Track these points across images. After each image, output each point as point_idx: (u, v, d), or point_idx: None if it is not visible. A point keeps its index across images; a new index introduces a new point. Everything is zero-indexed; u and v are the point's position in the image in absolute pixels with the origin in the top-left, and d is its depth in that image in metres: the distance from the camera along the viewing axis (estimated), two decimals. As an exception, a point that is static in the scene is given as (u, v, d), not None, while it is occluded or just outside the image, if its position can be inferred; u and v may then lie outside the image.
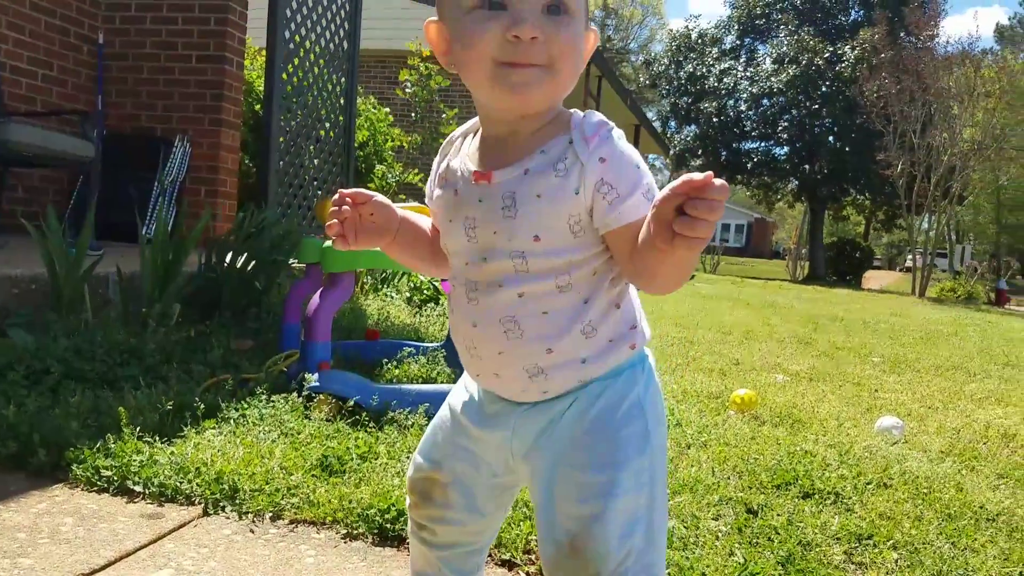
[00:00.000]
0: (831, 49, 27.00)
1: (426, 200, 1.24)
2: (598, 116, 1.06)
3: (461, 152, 1.16)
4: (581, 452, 1.10)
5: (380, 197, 1.22)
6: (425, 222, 1.28)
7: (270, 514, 1.98)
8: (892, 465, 2.59)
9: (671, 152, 30.59)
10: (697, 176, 0.85)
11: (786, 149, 28.74)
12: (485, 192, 1.08)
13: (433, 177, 1.21)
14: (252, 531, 1.91)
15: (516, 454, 1.18)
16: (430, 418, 2.66)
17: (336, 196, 1.18)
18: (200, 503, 2.02)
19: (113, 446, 2.20)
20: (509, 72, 1.02)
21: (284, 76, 5.24)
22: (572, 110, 1.09)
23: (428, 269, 1.31)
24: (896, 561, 1.88)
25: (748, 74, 29.36)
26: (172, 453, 2.21)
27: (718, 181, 0.85)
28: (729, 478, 2.34)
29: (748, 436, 2.85)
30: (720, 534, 1.95)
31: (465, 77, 1.08)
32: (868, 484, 2.38)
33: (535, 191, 1.05)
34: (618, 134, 1.05)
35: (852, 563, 1.88)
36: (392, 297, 5.66)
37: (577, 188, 1.03)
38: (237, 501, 2.00)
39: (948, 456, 2.86)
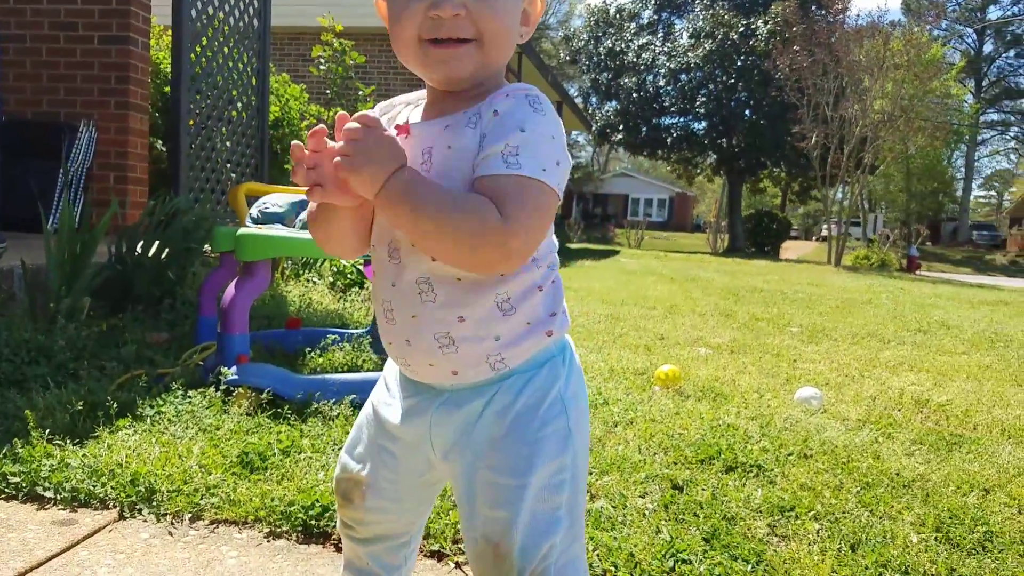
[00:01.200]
0: (745, 23, 27.48)
1: None
2: (529, 87, 1.04)
3: (399, 116, 1.14)
4: (500, 454, 1.09)
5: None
6: None
7: (189, 515, 1.91)
8: (812, 436, 2.66)
9: (593, 128, 30.79)
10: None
11: (704, 124, 29.25)
12: (407, 144, 1.04)
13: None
14: (171, 533, 1.85)
15: (436, 452, 1.16)
16: (356, 408, 2.65)
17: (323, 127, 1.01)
18: (115, 507, 1.94)
19: (21, 451, 2.10)
20: (433, 50, 1.03)
21: (192, 57, 5.06)
22: (515, 84, 1.07)
23: (360, 244, 1.18)
24: (818, 532, 1.93)
25: (666, 49, 29.71)
26: (84, 455, 2.12)
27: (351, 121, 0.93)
28: (655, 455, 2.37)
29: (673, 411, 2.89)
30: (647, 512, 1.97)
31: (397, 52, 1.08)
32: (789, 456, 2.44)
33: (447, 143, 1.03)
34: (534, 100, 1.01)
35: (776, 535, 1.92)
36: (314, 282, 5.55)
37: (477, 138, 1.01)
38: (154, 503, 1.94)
39: (865, 424, 2.95)
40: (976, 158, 46.43)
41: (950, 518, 2.04)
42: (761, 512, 2.02)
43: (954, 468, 2.45)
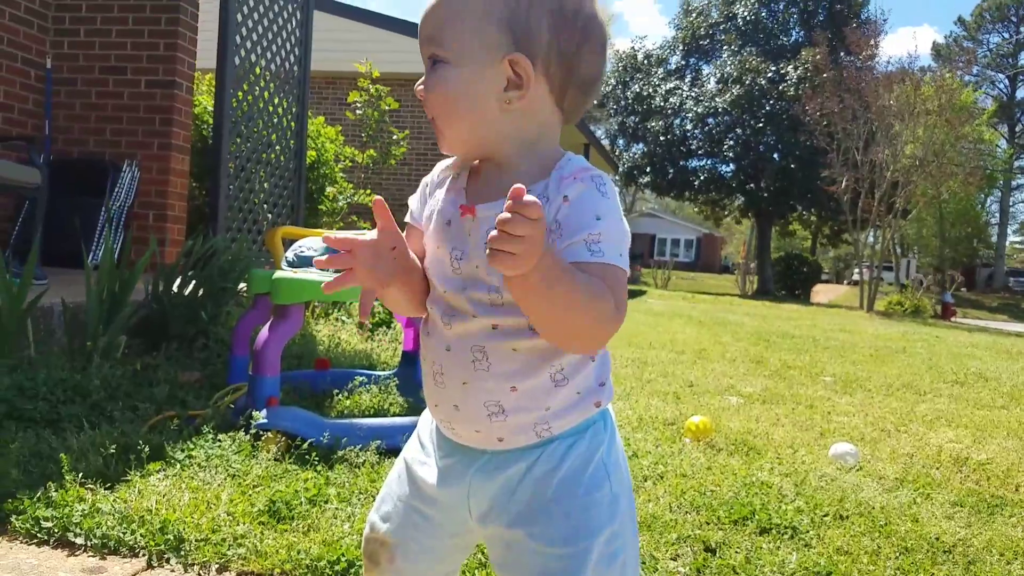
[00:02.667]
0: (774, 69, 27.60)
1: (408, 218, 1.18)
2: (581, 160, 1.05)
3: (456, 184, 1.13)
4: (546, 523, 1.06)
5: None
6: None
7: (216, 565, 1.91)
8: (848, 496, 2.61)
9: (620, 169, 30.91)
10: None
11: (732, 166, 29.26)
12: (472, 226, 1.06)
13: (420, 197, 1.18)
14: (200, 584, 1.85)
15: (473, 516, 1.13)
16: (382, 455, 2.64)
17: (344, 238, 1.02)
18: (144, 555, 1.94)
19: (55, 494, 2.12)
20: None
21: (234, 102, 5.16)
22: (565, 153, 1.07)
23: (420, 309, 1.16)
24: (854, 598, 1.89)
25: (693, 94, 29.87)
26: (116, 500, 2.13)
27: (528, 197, 0.83)
28: (687, 514, 2.33)
29: (704, 466, 2.85)
30: (679, 575, 1.94)
31: None
32: (825, 516, 2.39)
33: None
34: (600, 183, 1.01)
35: (811, 601, 1.87)
36: (344, 321, 5.59)
37: (549, 225, 0.99)
38: (182, 552, 1.93)
39: (903, 484, 2.89)
40: (1011, 203, 45.93)
41: (993, 588, 1.98)
42: (796, 577, 1.97)
43: (996, 533, 2.39)
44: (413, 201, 1.19)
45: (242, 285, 4.33)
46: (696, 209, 36.87)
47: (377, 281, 1.03)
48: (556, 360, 1.05)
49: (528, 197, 0.83)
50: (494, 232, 0.84)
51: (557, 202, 1.00)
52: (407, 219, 1.19)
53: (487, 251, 0.85)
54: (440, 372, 1.11)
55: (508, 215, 0.83)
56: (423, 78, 1.07)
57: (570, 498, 1.07)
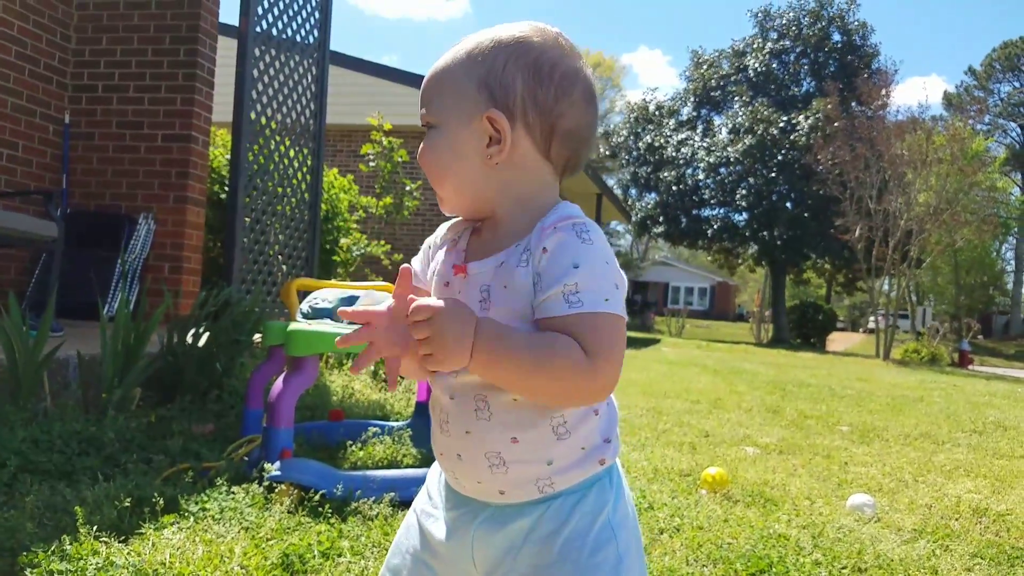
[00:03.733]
0: (785, 119, 27.80)
1: (415, 280, 1.20)
2: (567, 210, 1.05)
3: (456, 246, 1.15)
4: None
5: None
6: None
7: (231, 620, 1.90)
8: (866, 548, 2.57)
9: (633, 219, 31.05)
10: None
11: (745, 215, 29.31)
12: (464, 284, 1.08)
13: (423, 258, 1.21)
14: (212, 639, 1.83)
15: (480, 572, 1.13)
16: (395, 506, 2.63)
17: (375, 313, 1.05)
18: (158, 610, 1.93)
19: (69, 548, 2.12)
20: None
21: (250, 156, 5.25)
22: (556, 205, 1.08)
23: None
24: (875, 654, 1.85)
25: (705, 144, 30.09)
26: (129, 553, 2.12)
27: (412, 306, 0.96)
28: (704, 567, 2.31)
29: (721, 518, 2.82)
30: (696, 629, 1.91)
31: None
32: (843, 569, 2.35)
33: (503, 282, 1.04)
34: (581, 229, 1.01)
35: (831, 657, 1.84)
36: (358, 373, 5.59)
37: (532, 278, 1.01)
38: (197, 607, 1.92)
39: (921, 535, 2.84)
40: (1026, 251, 45.69)
41: (1017, 643, 1.94)
42: (816, 632, 1.94)
43: (1019, 587, 2.34)
44: (416, 263, 1.22)
45: (257, 337, 4.36)
46: (710, 258, 36.88)
47: (397, 349, 1.04)
48: (557, 412, 1.05)
49: (413, 305, 0.96)
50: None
51: (538, 254, 1.01)
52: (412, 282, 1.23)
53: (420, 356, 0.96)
54: (446, 420, 1.12)
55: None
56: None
57: (575, 559, 1.05)
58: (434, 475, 1.24)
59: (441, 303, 0.97)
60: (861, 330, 45.17)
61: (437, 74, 1.11)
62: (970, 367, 18.84)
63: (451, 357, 0.96)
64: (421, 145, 1.13)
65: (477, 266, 1.07)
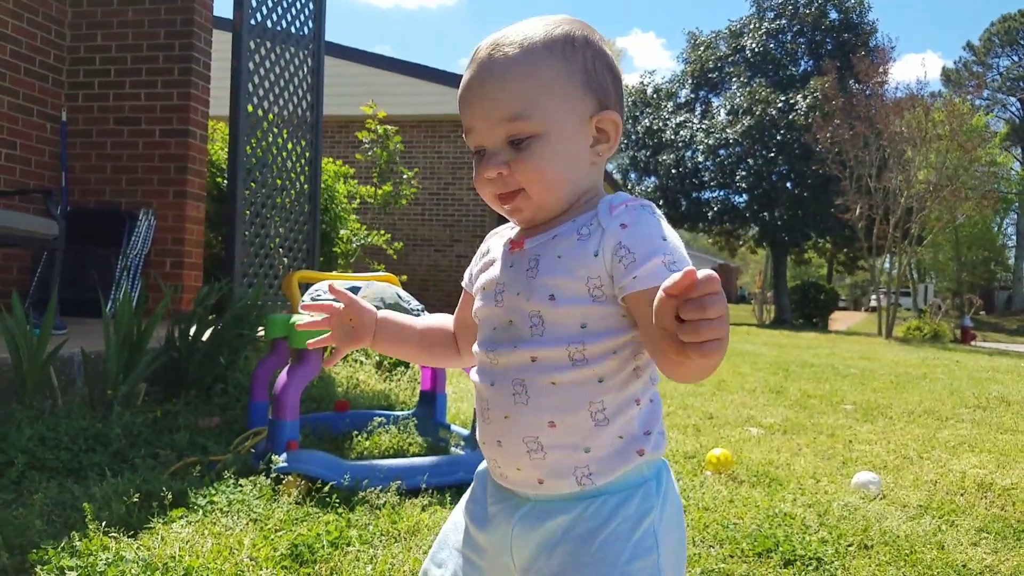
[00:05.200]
0: (783, 99, 27.68)
1: (464, 282, 1.26)
2: (629, 196, 1.08)
3: (504, 236, 1.19)
4: None
5: (358, 301, 1.29)
6: (406, 319, 1.34)
7: (242, 611, 1.91)
8: (872, 525, 2.58)
9: (634, 203, 30.94)
10: (676, 277, 0.78)
11: (745, 197, 29.23)
12: (516, 258, 1.10)
13: (475, 265, 1.23)
14: (224, 630, 1.84)
15: (517, 566, 1.12)
16: (401, 496, 2.65)
17: (316, 301, 1.23)
18: (169, 602, 1.95)
19: (79, 544, 2.13)
20: (499, 203, 1.11)
21: (248, 149, 5.24)
22: (600, 190, 1.12)
23: (420, 359, 1.37)
24: (882, 630, 1.86)
25: (703, 126, 29.97)
26: (139, 548, 2.14)
27: (702, 273, 0.77)
28: (711, 547, 2.32)
29: (727, 499, 2.83)
30: (704, 609, 1.92)
31: None
32: (849, 547, 2.36)
33: (556, 252, 1.06)
34: (650, 209, 1.05)
35: (838, 634, 1.85)
36: (362, 362, 5.60)
37: (597, 251, 1.02)
38: (207, 598, 1.94)
39: (927, 511, 2.85)
40: (1027, 225, 45.65)
41: (1023, 616, 1.95)
42: (823, 609, 1.95)
43: (1024, 560, 2.36)
44: (469, 270, 1.26)
45: (260, 330, 4.36)
46: (710, 240, 36.82)
47: (341, 343, 1.27)
48: (597, 397, 1.04)
49: (701, 273, 0.77)
50: (685, 325, 0.78)
51: (613, 229, 1.02)
52: (463, 283, 1.27)
53: (684, 347, 0.80)
54: (487, 408, 1.13)
55: (696, 305, 0.77)
56: (494, 161, 1.06)
57: (610, 565, 1.02)
58: (481, 472, 1.23)
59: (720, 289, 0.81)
60: (863, 309, 45.18)
61: (530, 84, 1.04)
62: (973, 343, 18.85)
63: (727, 336, 0.82)
64: (502, 160, 1.06)
65: (531, 240, 1.10)
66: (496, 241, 1.20)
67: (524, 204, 1.08)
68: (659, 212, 1.05)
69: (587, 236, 1.04)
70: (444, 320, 1.35)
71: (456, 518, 1.25)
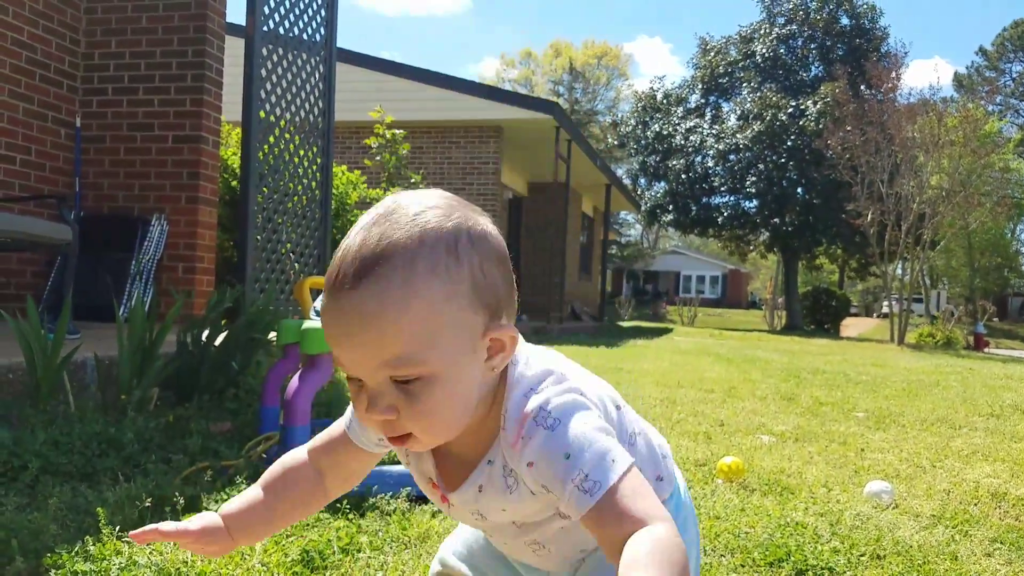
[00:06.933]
0: (794, 104, 27.65)
1: (345, 426, 1.12)
2: (520, 409, 0.94)
3: (419, 459, 1.08)
4: None
5: (195, 526, 1.10)
6: (246, 495, 1.15)
7: (254, 617, 1.92)
8: (884, 535, 2.57)
9: (642, 208, 30.98)
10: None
11: (755, 202, 29.20)
12: (454, 508, 1.06)
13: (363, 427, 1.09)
14: (236, 636, 1.85)
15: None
16: (411, 502, 2.65)
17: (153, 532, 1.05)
18: (181, 608, 1.95)
19: (92, 548, 2.14)
20: (387, 442, 0.99)
21: (260, 154, 5.26)
22: (507, 393, 0.97)
23: (293, 518, 1.19)
24: (895, 640, 1.85)
25: (714, 131, 29.96)
26: (152, 553, 2.14)
27: None
28: (722, 556, 2.31)
29: (738, 507, 2.83)
30: (716, 619, 1.92)
31: None
32: (861, 556, 2.35)
33: (496, 504, 1.01)
34: (542, 420, 0.92)
35: (851, 644, 1.84)
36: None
37: (532, 491, 0.97)
38: (220, 604, 1.94)
39: (940, 521, 2.84)
40: (1041, 231, 45.36)
41: (1038, 627, 1.94)
42: (835, 619, 1.94)
43: (1039, 571, 2.34)
44: (351, 419, 1.12)
45: (272, 335, 4.38)
46: (721, 245, 36.76)
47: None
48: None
49: None
50: None
51: (526, 472, 0.93)
52: (344, 426, 1.12)
53: None
54: (491, 536, 1.17)
55: None
56: (379, 405, 0.91)
57: None
58: None
59: None
60: (875, 315, 44.99)
61: (402, 321, 0.86)
62: (986, 350, 18.76)
63: None
64: (387, 402, 0.90)
65: (458, 496, 1.03)
66: (422, 464, 1.08)
67: (416, 443, 0.95)
68: (552, 411, 0.92)
69: (514, 485, 0.98)
70: (292, 465, 1.16)
71: None
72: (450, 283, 0.88)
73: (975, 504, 3.15)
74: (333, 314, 0.88)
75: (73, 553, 2.11)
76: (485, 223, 0.94)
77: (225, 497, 2.59)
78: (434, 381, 0.89)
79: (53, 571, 2.06)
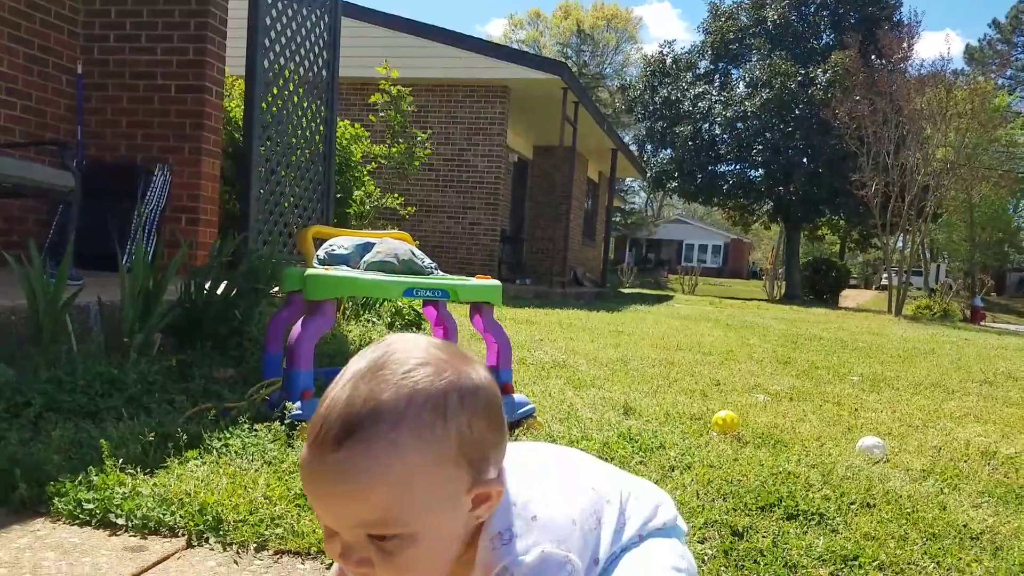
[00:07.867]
0: (803, 72, 27.41)
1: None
2: (487, 562, 0.96)
3: None
4: None
5: None
6: None
7: (254, 545, 1.96)
8: (875, 485, 2.61)
9: (648, 175, 30.84)
10: None
11: (761, 171, 29.07)
12: None
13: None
14: (236, 562, 1.90)
15: None
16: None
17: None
18: (183, 535, 2.00)
19: (95, 479, 2.18)
20: None
21: (264, 106, 5.25)
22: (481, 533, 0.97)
23: None
24: (881, 581, 1.90)
25: (722, 98, 29.72)
26: (155, 484, 2.19)
27: None
28: (714, 500, 2.36)
29: (731, 457, 2.87)
30: (706, 557, 1.96)
31: None
32: (852, 504, 2.40)
33: None
34: (512, 567, 0.95)
35: (838, 583, 1.89)
36: (374, 322, 5.65)
37: None
38: (221, 532, 1.99)
39: (930, 475, 2.88)
40: (1044, 207, 45.19)
41: (1021, 572, 1.99)
42: (824, 560, 1.99)
43: (1024, 522, 2.38)
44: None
45: (275, 287, 4.40)
46: (724, 215, 36.66)
47: None
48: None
49: None
50: None
51: None
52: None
53: None
54: None
55: None
56: (353, 558, 0.89)
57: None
58: None
59: None
60: (874, 287, 45.01)
61: (383, 486, 0.85)
62: (982, 323, 18.81)
63: None
64: (376, 554, 0.88)
65: None
66: None
67: None
68: (515, 561, 0.95)
69: None
70: None
71: None
72: (435, 445, 0.86)
73: (965, 461, 3.19)
74: (314, 471, 0.87)
75: (76, 483, 2.15)
76: (477, 375, 0.92)
77: (228, 436, 2.63)
78: (412, 540, 0.88)
79: (56, 499, 2.10)
